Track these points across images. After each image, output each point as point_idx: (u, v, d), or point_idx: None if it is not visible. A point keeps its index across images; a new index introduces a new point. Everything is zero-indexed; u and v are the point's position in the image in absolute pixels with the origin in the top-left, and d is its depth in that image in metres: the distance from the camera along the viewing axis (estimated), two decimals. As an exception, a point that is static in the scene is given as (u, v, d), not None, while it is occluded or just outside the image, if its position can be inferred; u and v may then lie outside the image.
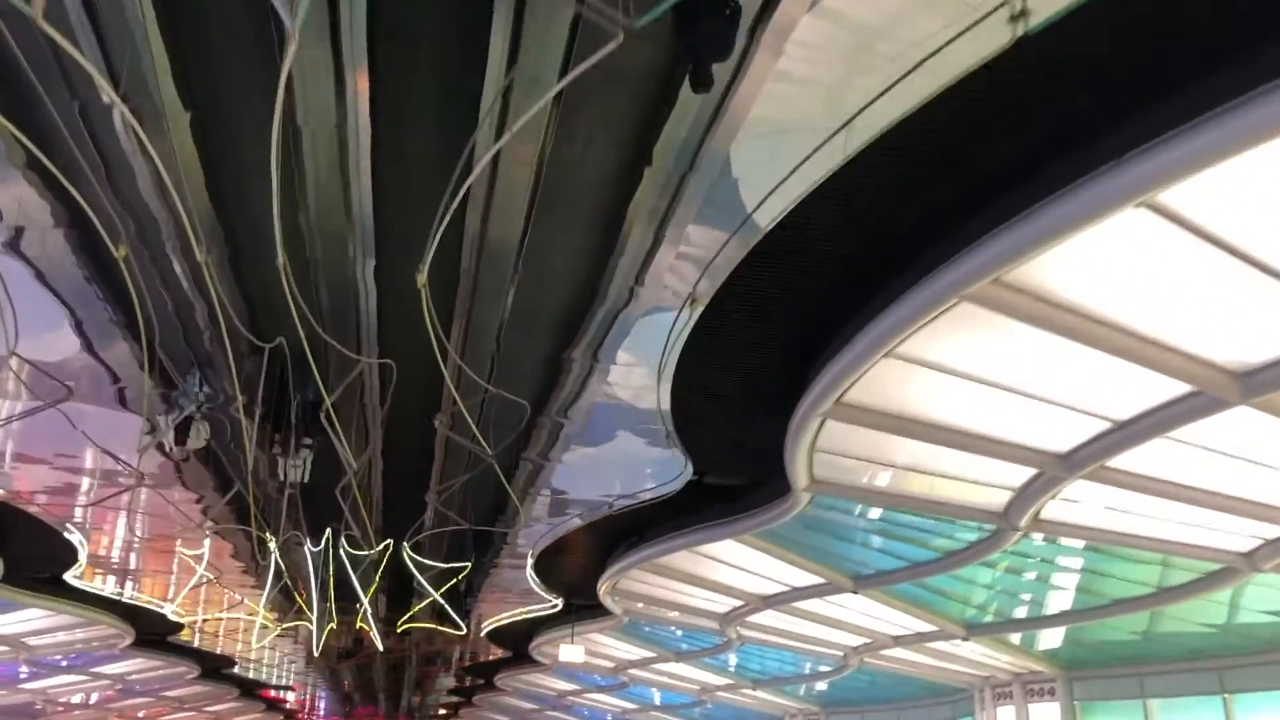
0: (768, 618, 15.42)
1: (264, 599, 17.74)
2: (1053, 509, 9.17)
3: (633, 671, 23.39)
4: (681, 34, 4.36)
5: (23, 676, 26.52)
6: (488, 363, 8.65)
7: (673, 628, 18.36)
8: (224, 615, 21.30)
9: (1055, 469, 8.03)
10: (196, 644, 26.37)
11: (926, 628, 13.88)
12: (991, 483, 8.86)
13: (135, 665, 26.98)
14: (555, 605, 18.89)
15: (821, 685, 22.12)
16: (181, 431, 10.25)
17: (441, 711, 54.47)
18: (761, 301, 7.32)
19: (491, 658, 28.80)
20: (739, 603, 14.86)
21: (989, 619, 13.51)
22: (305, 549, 15.06)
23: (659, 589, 15.32)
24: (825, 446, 8.68)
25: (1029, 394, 7.10)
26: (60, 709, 34.31)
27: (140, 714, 40.51)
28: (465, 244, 6.74)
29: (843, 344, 7.11)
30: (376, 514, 12.62)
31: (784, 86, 5.00)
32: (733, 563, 13.23)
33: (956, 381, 7.09)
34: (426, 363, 7.91)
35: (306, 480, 11.40)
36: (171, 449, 10.79)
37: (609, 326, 7.62)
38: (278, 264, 6.26)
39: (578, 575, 17.38)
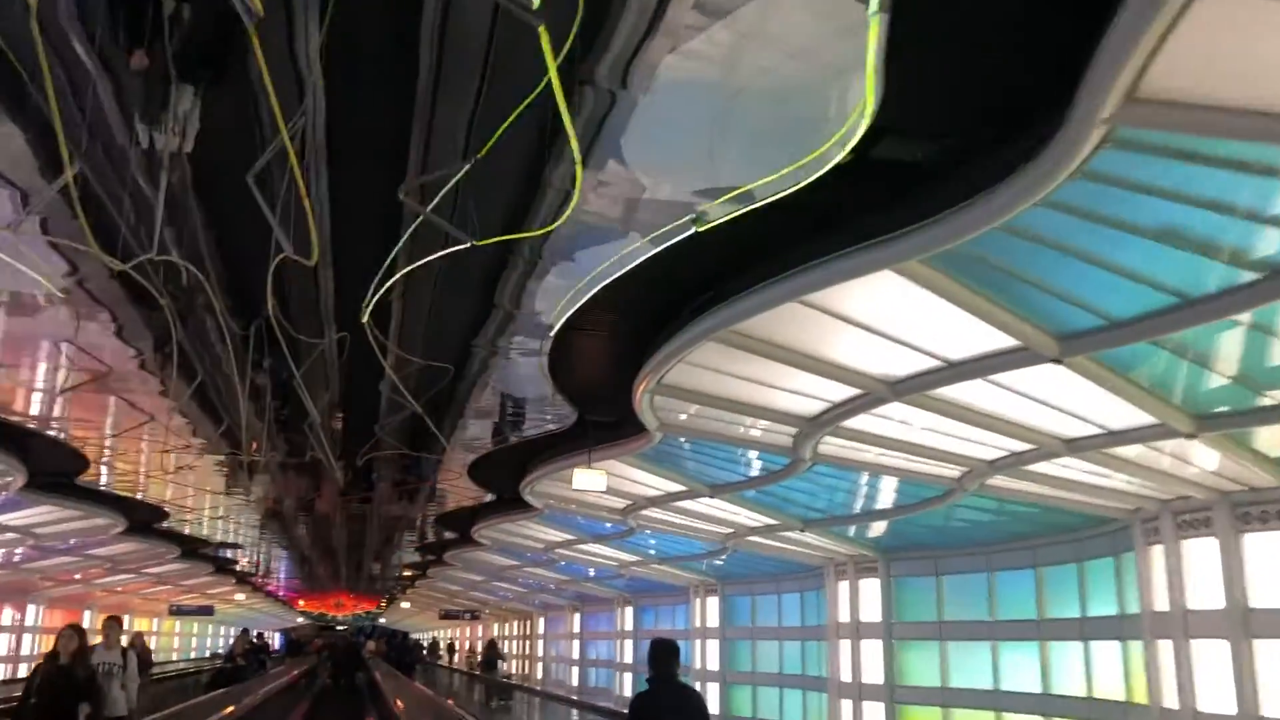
0: (875, 420, 11.07)
1: (170, 400, 13.21)
2: None
3: (648, 513, 19.18)
4: None
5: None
6: None
7: (724, 446, 13.99)
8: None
9: None
10: (110, 488, 21.87)
11: (1137, 420, 9.56)
12: None
13: (42, 515, 22.43)
14: (568, 418, 14.49)
15: (880, 526, 18.12)
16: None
17: (406, 572, 51.09)
18: None
19: (469, 503, 24.58)
20: (849, 394, 10.43)
21: (1242, 405, 9.19)
22: (223, 327, 10.45)
23: (728, 381, 10.85)
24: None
25: None
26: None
27: (77, 575, 36.32)
28: None
29: None
30: (321, 221, 7.84)
31: None
32: (865, 320, 8.74)
33: None
34: None
35: (190, 148, 6.71)
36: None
37: None
38: None
39: (602, 374, 12.92)
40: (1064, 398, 9.47)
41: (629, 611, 35.65)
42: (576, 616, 42.81)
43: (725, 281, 9.00)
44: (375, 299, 9.06)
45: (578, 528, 24.23)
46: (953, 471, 12.71)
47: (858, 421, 11.16)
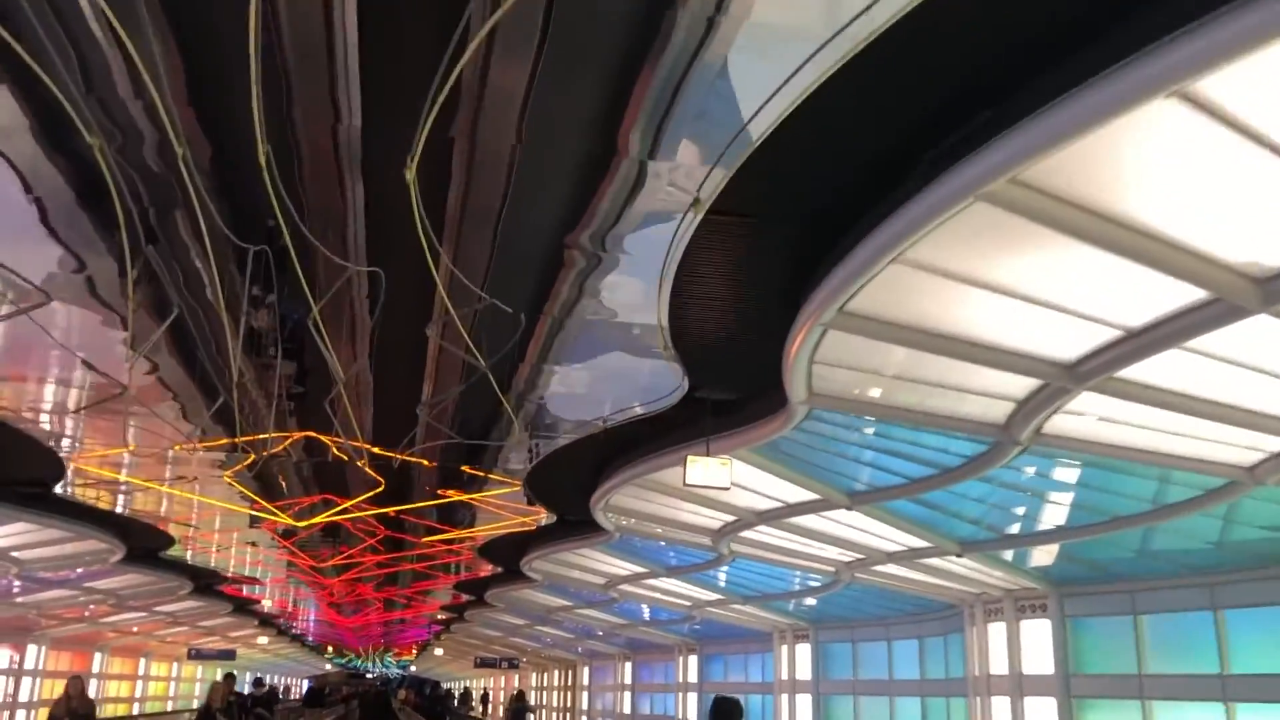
0: (1180, 359, 7.24)
1: (130, 344, 9.68)
2: None
3: (752, 534, 15.28)
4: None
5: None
6: None
7: (891, 428, 10.15)
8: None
9: None
10: (95, 502, 18.34)
11: None
12: None
13: (18, 537, 18.85)
14: (672, 392, 10.77)
15: (1052, 550, 14.14)
16: None
17: (441, 616, 47.45)
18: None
19: (520, 528, 20.78)
20: (1178, 306, 6.57)
21: None
22: (198, 211, 6.95)
23: (958, 296, 7.06)
24: None
25: None
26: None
27: (86, 612, 32.59)
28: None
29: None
30: None
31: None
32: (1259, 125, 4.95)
33: None
34: None
35: None
36: None
37: None
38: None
39: (729, 317, 9.23)
40: None
41: (693, 660, 31.61)
42: (628, 666, 38.77)
43: (1007, 92, 5.29)
44: (434, 111, 5.44)
45: (649, 557, 20.37)
46: (1248, 454, 8.82)
47: (1150, 365, 7.31)
